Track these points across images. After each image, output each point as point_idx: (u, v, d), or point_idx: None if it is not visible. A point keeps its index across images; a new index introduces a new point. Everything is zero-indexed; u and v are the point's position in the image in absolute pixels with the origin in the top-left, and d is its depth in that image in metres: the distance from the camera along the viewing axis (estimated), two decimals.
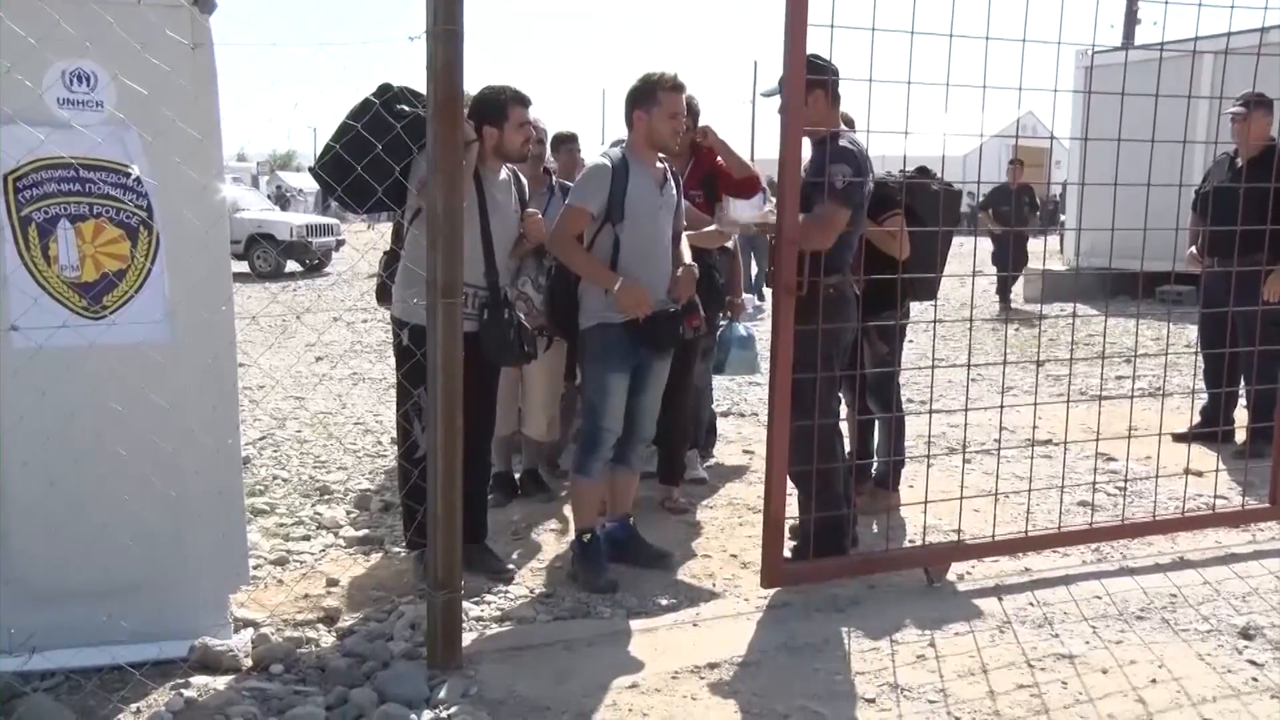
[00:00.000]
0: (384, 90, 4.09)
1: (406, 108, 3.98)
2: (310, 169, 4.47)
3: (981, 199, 14.76)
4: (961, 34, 3.91)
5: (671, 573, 4.51)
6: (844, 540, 4.38)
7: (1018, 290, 14.60)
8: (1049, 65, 4.26)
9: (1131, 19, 26.20)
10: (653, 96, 4.20)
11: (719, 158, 5.36)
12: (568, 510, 5.00)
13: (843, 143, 4.20)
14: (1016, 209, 13.33)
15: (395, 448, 6.55)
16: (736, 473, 6.08)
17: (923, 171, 4.89)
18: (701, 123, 5.27)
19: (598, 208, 4.19)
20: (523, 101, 4.31)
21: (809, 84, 4.10)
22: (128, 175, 3.34)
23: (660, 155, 4.37)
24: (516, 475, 5.68)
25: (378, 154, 3.82)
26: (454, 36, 3.18)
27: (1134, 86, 4.19)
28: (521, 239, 4.47)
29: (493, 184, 4.32)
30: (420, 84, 3.38)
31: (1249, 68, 5.04)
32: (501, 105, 4.25)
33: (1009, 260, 12.67)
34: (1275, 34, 9.34)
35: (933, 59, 4.00)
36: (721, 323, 5.75)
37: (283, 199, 35.51)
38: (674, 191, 4.40)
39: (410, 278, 4.13)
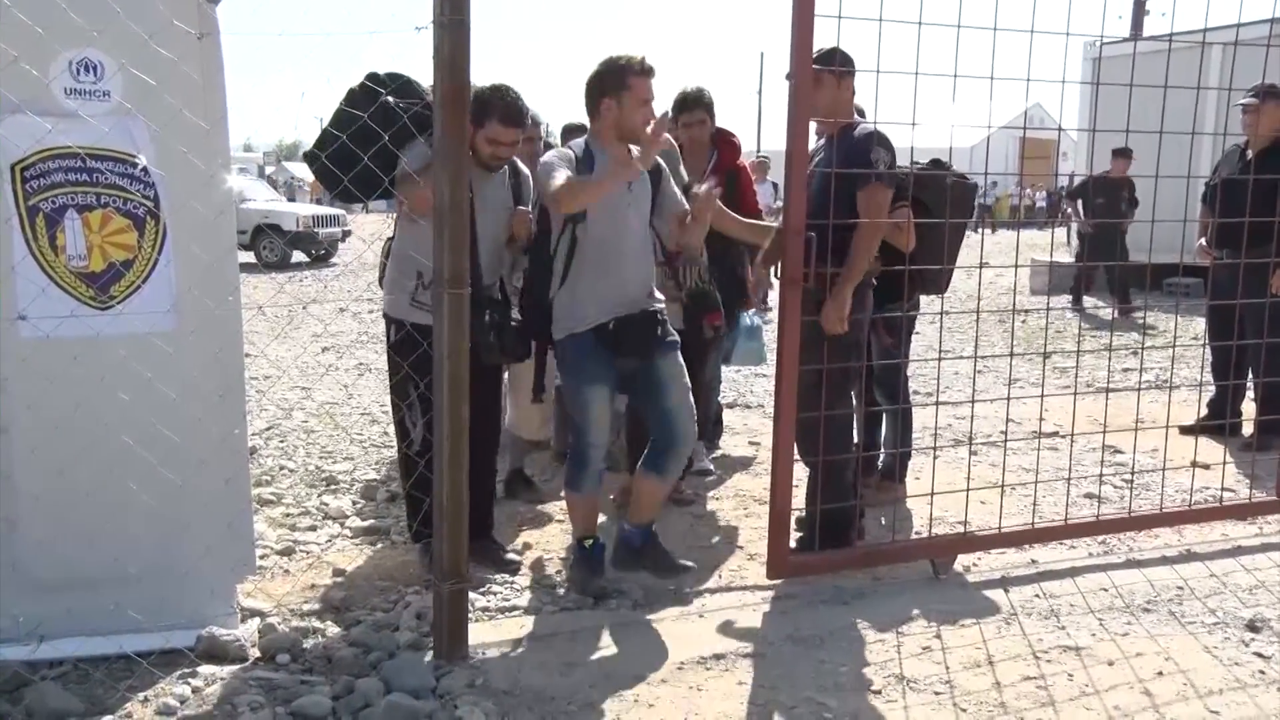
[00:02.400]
0: (370, 81, 4.03)
1: (393, 99, 3.95)
2: (304, 154, 4.38)
3: (1072, 187, 13.81)
4: (969, 25, 3.90)
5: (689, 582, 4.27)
6: (850, 531, 4.38)
7: (1024, 283, 14.54)
8: (1057, 56, 4.25)
9: (1140, 10, 26.08)
10: (623, 82, 3.85)
11: (740, 160, 5.36)
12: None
13: (869, 129, 4.20)
14: (1113, 202, 11.64)
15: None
16: (742, 464, 6.08)
17: (937, 164, 4.86)
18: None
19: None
20: (510, 119, 4.09)
21: (847, 73, 4.13)
22: (135, 165, 3.34)
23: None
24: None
25: (365, 146, 3.80)
26: (461, 27, 3.17)
27: (1142, 78, 4.18)
28: (513, 238, 4.33)
29: (482, 179, 4.16)
30: (427, 75, 3.37)
31: (1259, 59, 5.02)
32: (485, 109, 4.04)
33: (1115, 255, 12.09)
34: None
35: (940, 50, 4.00)
36: None
37: (290, 190, 35.40)
38: (647, 187, 4.04)
39: (397, 275, 4.12)
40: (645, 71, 3.87)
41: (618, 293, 3.94)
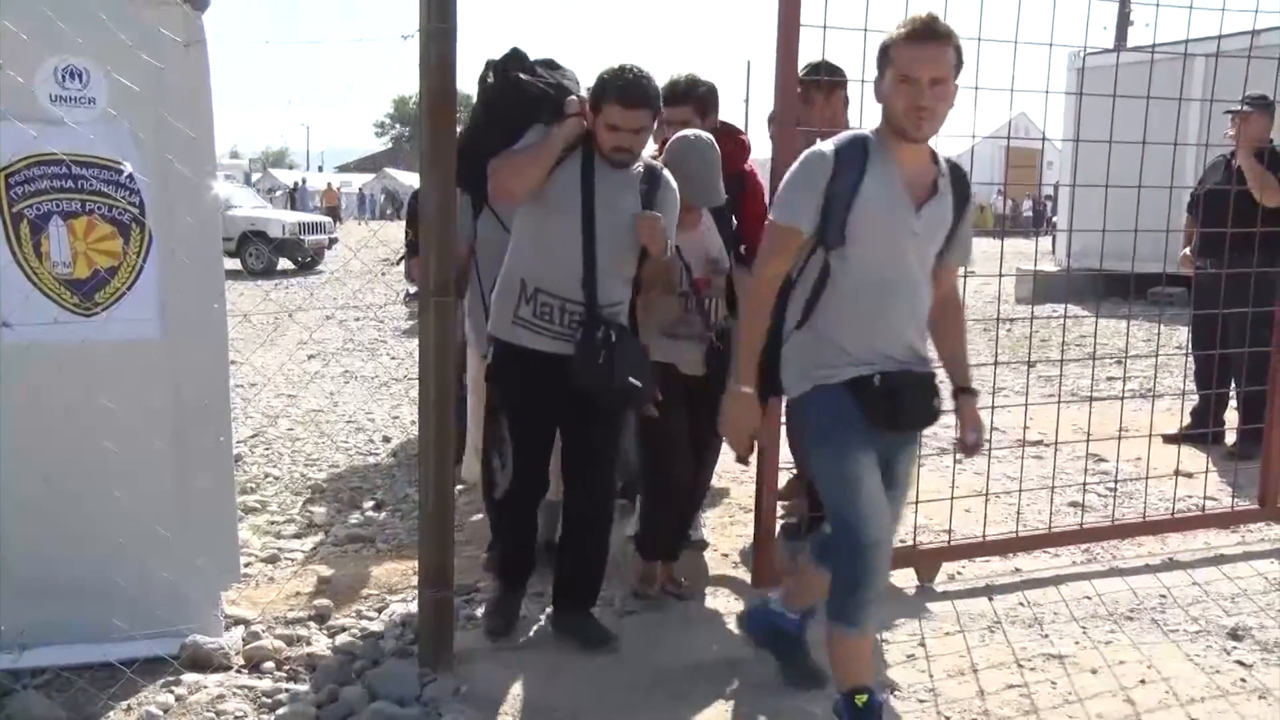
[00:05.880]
0: (508, 59, 3.64)
1: (526, 77, 3.58)
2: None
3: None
4: None
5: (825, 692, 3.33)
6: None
7: (1009, 292, 14.59)
8: (1041, 67, 4.28)
9: (1124, 21, 26.25)
10: (886, 53, 2.80)
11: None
12: None
13: None
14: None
15: (385, 445, 6.56)
16: (728, 472, 6.08)
17: None
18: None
19: (810, 224, 2.84)
20: (625, 101, 3.39)
21: (835, 85, 4.13)
22: (120, 172, 3.33)
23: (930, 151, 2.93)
24: None
25: (482, 137, 3.55)
26: (447, 34, 3.17)
27: (1126, 88, 4.21)
28: (645, 254, 3.60)
29: (607, 176, 3.51)
30: (415, 83, 3.36)
31: (1240, 70, 5.06)
32: (602, 91, 3.44)
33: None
34: (1266, 37, 9.37)
35: None
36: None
37: (293, 198, 34.96)
38: (942, 214, 2.92)
39: (503, 286, 3.59)
40: (916, 35, 2.76)
41: (884, 340, 2.88)
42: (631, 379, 3.40)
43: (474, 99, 3.83)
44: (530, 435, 3.60)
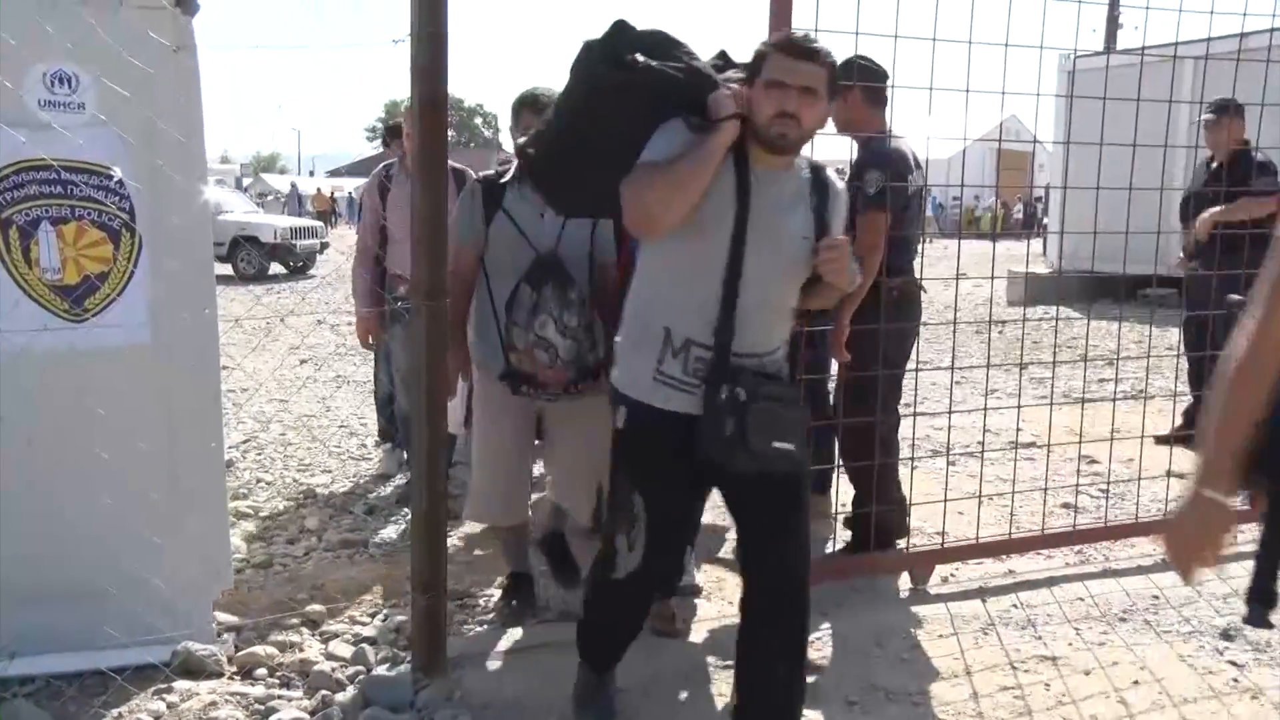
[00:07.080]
0: (616, 38, 2.76)
1: (643, 59, 2.69)
2: (519, 146, 3.22)
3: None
4: (944, 38, 3.94)
5: None
6: (895, 536, 4.42)
7: (1000, 294, 14.61)
8: (1032, 69, 4.29)
9: (1113, 24, 26.33)
10: None
11: None
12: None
13: (882, 145, 4.17)
14: None
15: (378, 450, 6.53)
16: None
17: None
18: None
19: None
20: (793, 49, 2.64)
21: (841, 86, 4.14)
22: (110, 177, 3.32)
23: None
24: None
25: (583, 134, 2.84)
26: (438, 39, 3.16)
27: (1116, 91, 4.22)
28: (820, 286, 2.83)
29: (768, 185, 2.72)
30: (406, 88, 3.35)
31: (1229, 73, 5.08)
32: (761, 55, 2.68)
33: None
34: (1254, 39, 9.41)
35: (916, 62, 4.03)
36: None
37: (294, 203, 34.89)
38: None
39: (635, 332, 2.84)
40: None
41: None
42: (776, 443, 2.64)
43: (466, 102, 3.72)
44: (670, 516, 2.86)
